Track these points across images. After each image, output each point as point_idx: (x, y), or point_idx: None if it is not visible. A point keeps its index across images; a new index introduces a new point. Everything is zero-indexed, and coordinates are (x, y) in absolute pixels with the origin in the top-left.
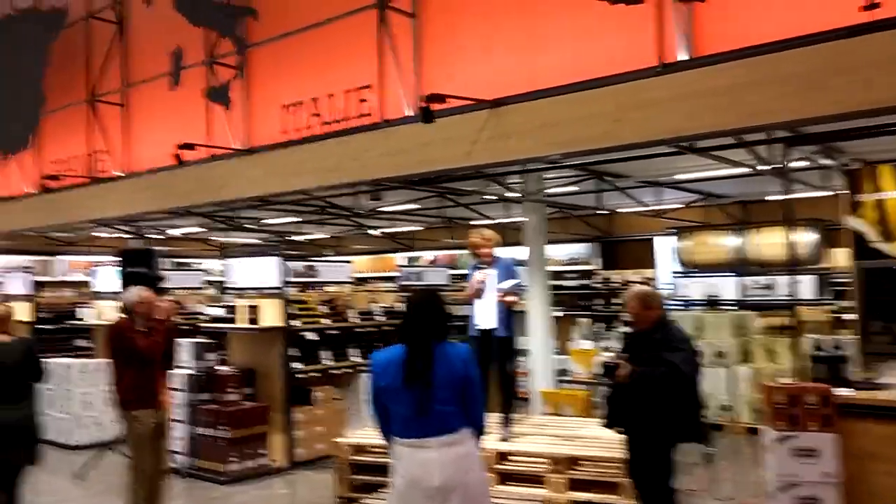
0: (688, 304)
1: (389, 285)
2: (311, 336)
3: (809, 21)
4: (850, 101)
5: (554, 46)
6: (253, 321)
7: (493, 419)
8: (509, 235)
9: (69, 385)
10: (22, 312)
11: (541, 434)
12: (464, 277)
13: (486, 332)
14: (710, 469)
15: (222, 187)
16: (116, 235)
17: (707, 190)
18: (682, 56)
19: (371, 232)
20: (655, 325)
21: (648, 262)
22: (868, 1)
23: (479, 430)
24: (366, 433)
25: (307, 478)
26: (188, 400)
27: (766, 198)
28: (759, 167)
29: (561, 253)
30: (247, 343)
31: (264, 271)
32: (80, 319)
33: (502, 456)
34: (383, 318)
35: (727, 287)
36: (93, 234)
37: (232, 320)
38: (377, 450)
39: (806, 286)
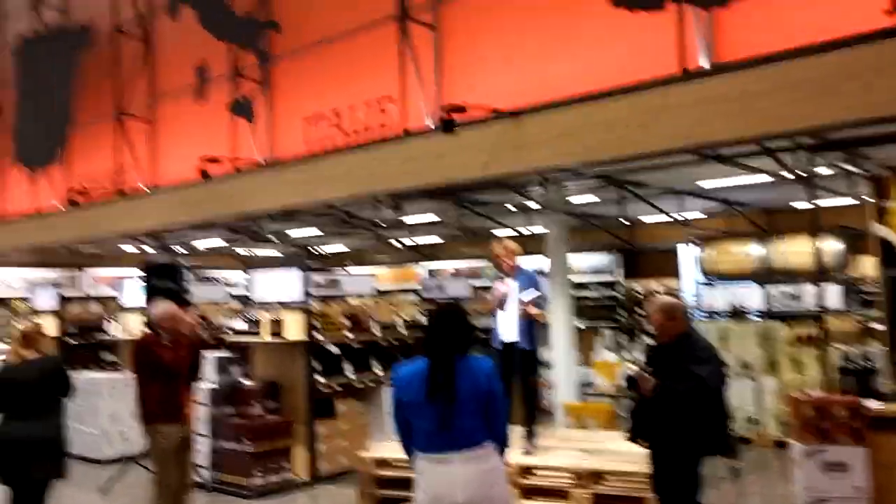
0: (713, 314)
1: (411, 297)
2: (333, 349)
3: (834, 26)
4: (882, 106)
5: (574, 55)
6: (276, 334)
7: (515, 432)
8: (531, 246)
9: (96, 399)
10: (49, 327)
11: (564, 448)
12: (486, 289)
13: (509, 345)
14: (738, 484)
15: (246, 200)
16: (144, 250)
17: (731, 198)
18: (703, 63)
19: (393, 243)
20: (680, 337)
21: (671, 271)
22: (893, 4)
23: (502, 445)
24: (388, 447)
25: (330, 492)
26: (212, 414)
27: (792, 205)
28: (784, 174)
29: (583, 263)
30: (270, 356)
31: (287, 284)
32: (107, 333)
33: (525, 470)
34: (405, 331)
35: (752, 297)
36: (119, 247)
37: (255, 333)
38: (400, 464)
39: (833, 295)
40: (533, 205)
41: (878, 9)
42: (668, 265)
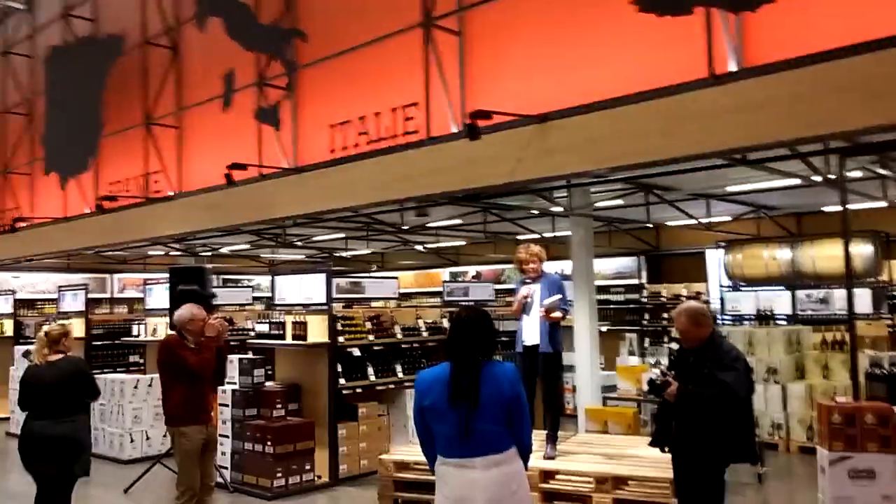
0: (739, 318)
1: (434, 300)
2: (356, 352)
3: (865, 28)
4: None
5: (600, 60)
6: (299, 337)
7: (537, 437)
8: (556, 250)
9: (121, 400)
10: (77, 329)
11: (586, 452)
12: (509, 292)
13: (532, 349)
14: (762, 490)
15: (272, 205)
16: (170, 253)
17: (759, 202)
18: (733, 67)
19: (416, 247)
20: (705, 343)
21: (696, 275)
22: None
23: (525, 451)
24: (409, 450)
25: (350, 494)
26: (235, 415)
27: (822, 209)
28: (814, 178)
29: (608, 267)
30: (293, 359)
31: (311, 287)
32: (134, 336)
33: (547, 475)
34: (428, 335)
35: (780, 301)
36: (146, 251)
37: (278, 336)
38: (420, 467)
39: (862, 300)
40: (558, 209)
41: None
42: (692, 269)
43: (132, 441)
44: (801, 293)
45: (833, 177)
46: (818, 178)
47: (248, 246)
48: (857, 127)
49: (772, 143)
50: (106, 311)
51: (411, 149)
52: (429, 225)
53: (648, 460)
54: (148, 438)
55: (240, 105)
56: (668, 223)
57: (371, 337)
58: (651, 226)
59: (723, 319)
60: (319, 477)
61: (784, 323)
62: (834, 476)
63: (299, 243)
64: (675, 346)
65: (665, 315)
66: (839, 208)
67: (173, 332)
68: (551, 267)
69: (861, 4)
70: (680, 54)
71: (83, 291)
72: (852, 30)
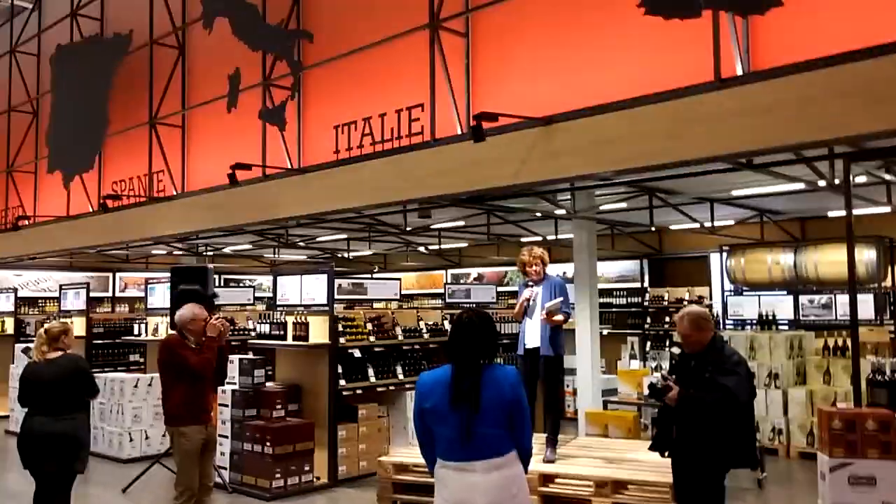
0: (741, 322)
1: (436, 302)
2: (356, 353)
3: (872, 33)
4: None
5: (606, 62)
6: (300, 337)
7: (537, 440)
8: (558, 252)
9: (121, 399)
10: (78, 328)
11: (586, 456)
12: (511, 295)
13: (534, 351)
14: (762, 495)
15: (275, 206)
16: (172, 252)
17: (763, 206)
18: (740, 70)
19: (419, 248)
20: (707, 347)
21: (699, 279)
22: None
23: (525, 455)
24: (408, 452)
25: (349, 496)
26: (235, 416)
27: (827, 214)
28: (819, 182)
29: (610, 270)
30: (293, 359)
31: (313, 288)
32: (135, 335)
33: (546, 478)
34: (429, 336)
35: (782, 306)
36: (148, 250)
37: (279, 336)
38: (420, 469)
39: (865, 306)
40: (561, 211)
41: None
42: (696, 273)
43: (131, 440)
44: (803, 298)
45: (838, 181)
46: (823, 183)
47: (250, 246)
48: (862, 132)
49: (778, 148)
50: (107, 310)
51: (416, 150)
52: (431, 226)
53: (648, 464)
54: (147, 438)
55: (245, 105)
56: (672, 227)
57: (372, 338)
58: (654, 229)
59: (725, 324)
60: (318, 478)
61: (786, 328)
62: (834, 482)
63: (302, 244)
64: (676, 350)
65: (667, 319)
66: (843, 213)
67: (174, 332)
68: (554, 270)
69: (868, 9)
70: (687, 57)
71: (85, 290)
72: (860, 34)
